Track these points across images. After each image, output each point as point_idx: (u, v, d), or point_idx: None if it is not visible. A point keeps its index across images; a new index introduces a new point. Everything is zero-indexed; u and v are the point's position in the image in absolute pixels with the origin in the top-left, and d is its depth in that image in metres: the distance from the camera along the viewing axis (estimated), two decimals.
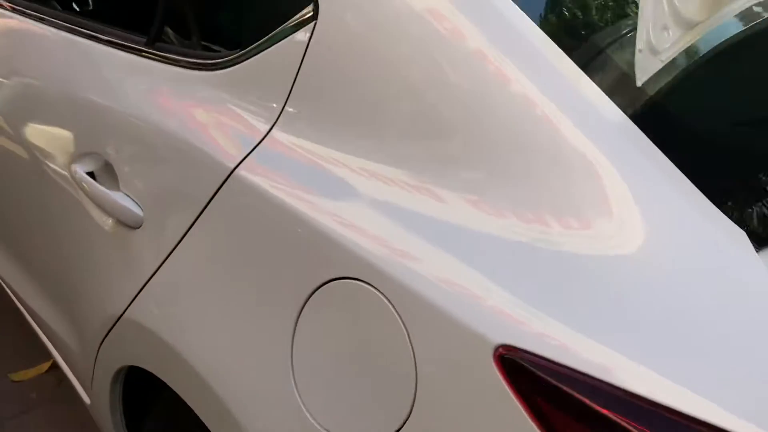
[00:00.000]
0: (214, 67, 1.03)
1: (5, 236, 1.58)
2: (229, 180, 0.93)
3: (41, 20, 1.36)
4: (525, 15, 0.84)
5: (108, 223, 1.15)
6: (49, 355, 1.87)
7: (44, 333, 1.55)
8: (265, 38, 0.96)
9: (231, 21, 1.31)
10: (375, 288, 0.77)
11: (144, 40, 1.16)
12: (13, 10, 1.43)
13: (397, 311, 0.75)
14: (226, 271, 0.95)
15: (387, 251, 0.78)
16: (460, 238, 0.77)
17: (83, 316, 1.29)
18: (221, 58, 1.02)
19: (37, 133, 1.33)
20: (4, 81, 1.41)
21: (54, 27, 1.32)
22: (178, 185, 1.02)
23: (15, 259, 1.58)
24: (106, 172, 1.16)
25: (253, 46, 0.97)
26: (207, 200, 0.96)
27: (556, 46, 0.83)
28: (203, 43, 1.14)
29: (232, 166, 0.93)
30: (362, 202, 0.84)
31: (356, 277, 0.79)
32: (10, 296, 1.80)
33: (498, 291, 0.71)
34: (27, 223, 1.44)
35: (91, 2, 1.81)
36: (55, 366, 1.94)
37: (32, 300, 1.55)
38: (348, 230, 0.82)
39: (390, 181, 0.84)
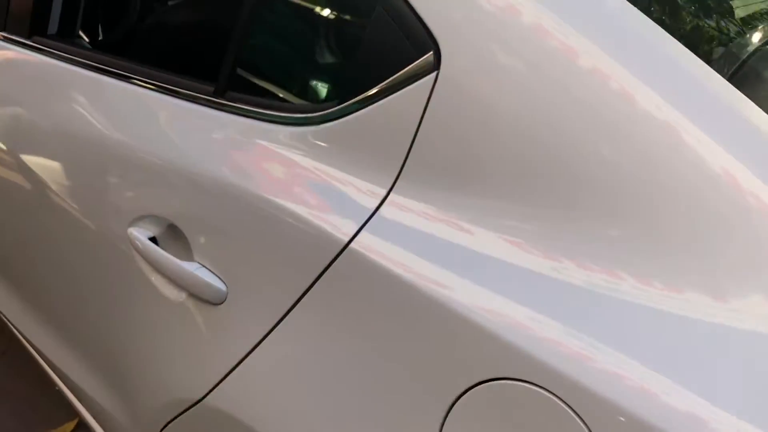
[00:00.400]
0: (308, 122, 0.90)
1: (42, 299, 1.44)
2: (342, 255, 0.81)
3: (85, 65, 1.23)
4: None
5: (179, 296, 1.01)
6: (73, 414, 1.74)
7: (84, 406, 1.40)
8: (376, 88, 0.83)
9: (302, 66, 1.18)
10: (551, 393, 0.66)
11: (210, 88, 1.03)
12: (55, 56, 1.30)
13: (586, 425, 0.63)
14: (342, 360, 0.82)
15: (557, 346, 0.66)
16: (653, 331, 0.66)
17: (140, 394, 1.16)
18: (318, 111, 0.89)
19: (84, 189, 1.19)
20: (41, 131, 1.27)
21: (102, 73, 1.19)
22: (275, 259, 0.89)
23: (50, 322, 1.44)
24: (171, 238, 1.03)
25: (361, 97, 0.85)
26: (314, 277, 0.84)
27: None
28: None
29: (346, 238, 0.81)
30: (512, 283, 0.72)
31: (521, 378, 0.67)
32: (32, 355, 1.67)
33: (702, 400, 0.61)
34: (69, 288, 1.30)
35: (100, 33, 1.68)
36: (80, 426, 1.81)
37: (70, 367, 1.40)
38: (502, 318, 0.70)
39: (543, 256, 0.72)
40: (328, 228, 0.83)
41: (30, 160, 1.29)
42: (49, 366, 1.53)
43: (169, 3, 1.98)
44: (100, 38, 1.53)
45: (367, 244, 0.80)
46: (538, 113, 0.74)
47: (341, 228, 0.82)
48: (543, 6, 0.76)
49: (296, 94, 1.04)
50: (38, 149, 1.27)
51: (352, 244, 0.81)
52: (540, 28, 0.75)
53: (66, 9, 1.42)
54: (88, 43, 1.45)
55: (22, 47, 1.39)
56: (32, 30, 1.38)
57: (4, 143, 1.34)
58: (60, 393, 1.56)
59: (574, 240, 0.72)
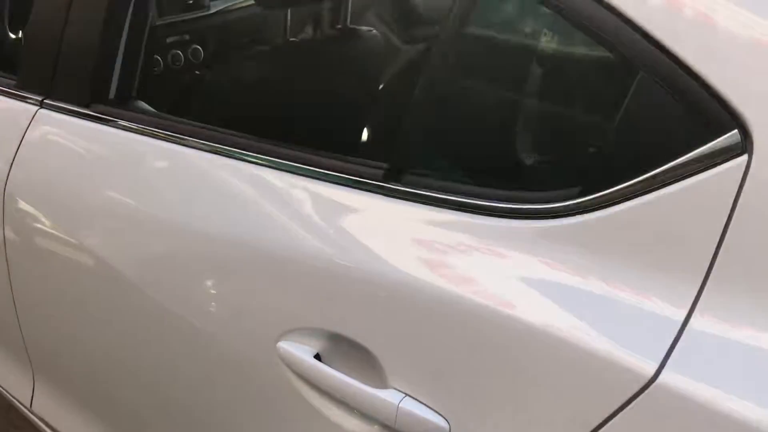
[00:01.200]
0: (539, 215, 0.73)
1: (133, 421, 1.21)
2: (647, 393, 0.64)
3: (174, 139, 1.04)
4: None
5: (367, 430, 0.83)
6: None
7: None
8: (650, 173, 0.67)
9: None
10: None
11: (377, 170, 0.85)
12: (133, 129, 1.10)
13: None
14: None
15: None
16: None
17: None
18: (563, 199, 0.72)
19: (208, 293, 0.98)
20: (145, 224, 1.05)
21: (206, 150, 1.00)
22: (533, 391, 0.70)
23: None
24: (342, 356, 0.85)
25: (627, 184, 0.68)
26: (606, 416, 0.66)
27: None
28: None
29: (649, 371, 0.64)
30: None
31: None
32: None
33: None
34: (182, 414, 1.08)
35: None
36: None
37: None
38: None
39: None
40: (619, 355, 0.65)
41: (131, 256, 1.08)
42: None
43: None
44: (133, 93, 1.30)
45: (679, 378, 0.63)
46: None
47: (637, 354, 0.65)
48: None
49: (513, 178, 0.86)
50: (142, 245, 1.06)
51: (659, 379, 0.64)
52: None
53: (125, 69, 1.21)
54: (149, 106, 1.24)
55: (79, 117, 1.17)
56: (92, 96, 1.17)
57: (101, 242, 1.12)
58: None
59: None
